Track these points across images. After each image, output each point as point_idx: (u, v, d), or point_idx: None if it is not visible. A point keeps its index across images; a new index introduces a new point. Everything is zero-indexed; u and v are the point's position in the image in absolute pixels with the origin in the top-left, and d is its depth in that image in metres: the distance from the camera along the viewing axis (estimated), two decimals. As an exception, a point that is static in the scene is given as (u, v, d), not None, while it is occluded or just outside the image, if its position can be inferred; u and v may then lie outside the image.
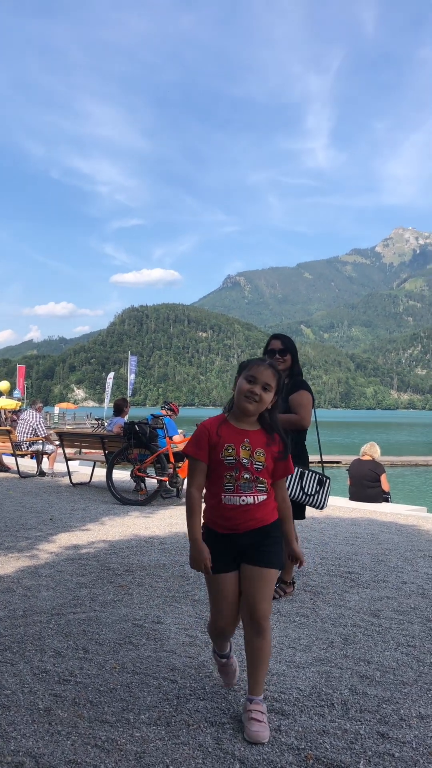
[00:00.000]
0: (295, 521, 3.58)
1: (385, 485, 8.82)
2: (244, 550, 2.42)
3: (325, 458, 20.80)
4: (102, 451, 9.41)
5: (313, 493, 4.18)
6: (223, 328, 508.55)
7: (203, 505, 2.49)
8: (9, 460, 11.79)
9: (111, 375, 56.37)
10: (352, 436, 56.33)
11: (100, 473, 10.12)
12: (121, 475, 9.93)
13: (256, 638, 2.38)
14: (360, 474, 8.90)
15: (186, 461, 7.50)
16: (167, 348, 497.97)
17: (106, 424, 12.89)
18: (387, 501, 8.83)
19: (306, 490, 4.16)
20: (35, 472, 11.01)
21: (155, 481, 8.48)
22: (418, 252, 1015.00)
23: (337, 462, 21.89)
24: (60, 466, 11.30)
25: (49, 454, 11.08)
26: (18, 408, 15.65)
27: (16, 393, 39.27)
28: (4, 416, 14.31)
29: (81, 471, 11.11)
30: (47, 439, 11.17)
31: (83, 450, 11.25)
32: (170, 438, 8.48)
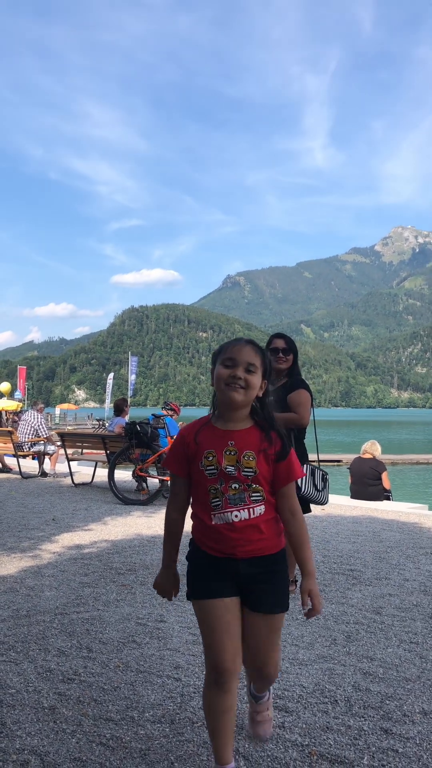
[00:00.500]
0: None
1: (386, 483, 8.83)
2: (244, 583, 1.94)
3: (326, 457, 20.82)
4: (104, 452, 9.42)
5: (321, 489, 4.22)
6: (223, 328, 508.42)
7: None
8: (11, 461, 11.80)
9: (111, 376, 56.41)
10: (352, 434, 56.34)
11: (102, 473, 10.14)
12: (123, 475, 9.94)
13: (260, 683, 2.11)
14: (361, 472, 8.91)
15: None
16: (167, 348, 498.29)
17: (107, 424, 12.91)
18: (388, 499, 8.84)
19: (317, 487, 4.19)
20: (37, 473, 11.02)
21: (157, 480, 8.50)
22: (417, 250, 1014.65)
23: (338, 461, 21.90)
24: (62, 467, 11.32)
25: (51, 455, 11.10)
26: (19, 409, 15.68)
27: (17, 394, 39.27)
28: (5, 417, 14.33)
29: (82, 471, 11.12)
30: (49, 440, 11.19)
31: (84, 450, 11.27)
32: (172, 437, 8.49)
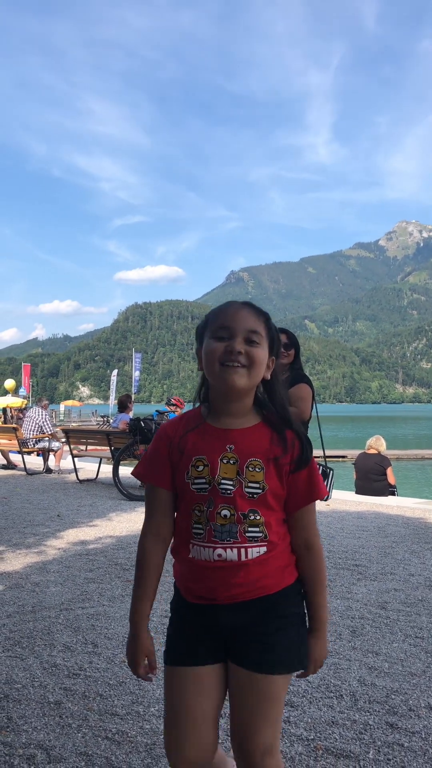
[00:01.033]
0: None
1: (391, 478, 8.82)
2: (229, 635, 1.38)
3: (331, 452, 20.79)
4: (108, 448, 9.44)
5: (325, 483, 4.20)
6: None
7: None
8: (16, 458, 11.84)
9: (115, 372, 56.53)
10: (357, 430, 56.28)
11: (106, 470, 10.15)
12: (128, 471, 9.96)
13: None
14: (366, 467, 8.90)
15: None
16: (171, 344, 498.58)
17: (111, 420, 12.93)
18: (393, 494, 8.83)
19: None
20: (42, 469, 11.05)
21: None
22: (422, 245, 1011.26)
23: (343, 456, 21.87)
24: (66, 463, 11.35)
25: (56, 452, 11.14)
26: (23, 406, 15.73)
27: (22, 391, 39.39)
28: (10, 414, 14.37)
29: (87, 467, 11.15)
30: (53, 437, 11.22)
31: (89, 447, 11.29)
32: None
